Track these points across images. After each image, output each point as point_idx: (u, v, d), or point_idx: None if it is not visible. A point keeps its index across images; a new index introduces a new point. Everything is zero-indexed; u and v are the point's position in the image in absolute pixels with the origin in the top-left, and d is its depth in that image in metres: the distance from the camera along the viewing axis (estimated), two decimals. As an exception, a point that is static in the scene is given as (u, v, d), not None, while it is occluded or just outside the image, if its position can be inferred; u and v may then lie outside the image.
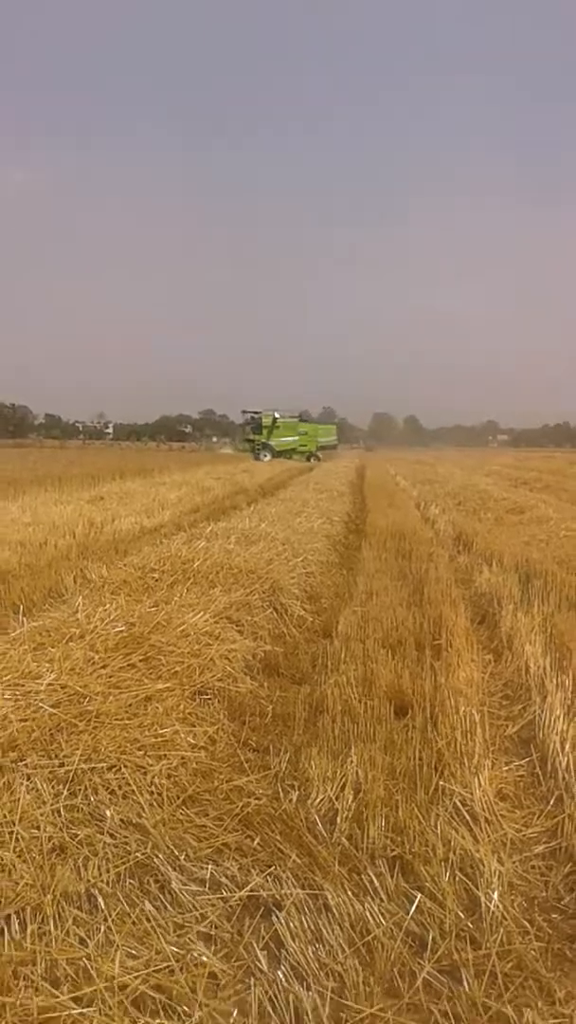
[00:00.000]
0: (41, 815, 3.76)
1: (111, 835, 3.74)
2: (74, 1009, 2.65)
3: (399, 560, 11.41)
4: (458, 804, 4.10)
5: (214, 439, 66.98)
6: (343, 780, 4.30)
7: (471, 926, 3.23)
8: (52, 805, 3.86)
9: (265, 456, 55.05)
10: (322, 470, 39.40)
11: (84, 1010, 2.66)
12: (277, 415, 60.29)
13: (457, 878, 3.52)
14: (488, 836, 3.85)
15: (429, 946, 3.10)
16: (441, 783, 4.32)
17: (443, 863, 3.61)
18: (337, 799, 4.16)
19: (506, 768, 4.64)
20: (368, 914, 3.25)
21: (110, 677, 5.30)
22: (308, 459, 56.80)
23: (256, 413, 61.74)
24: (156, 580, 8.11)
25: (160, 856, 3.60)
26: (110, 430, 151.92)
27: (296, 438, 59.90)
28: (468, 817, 3.99)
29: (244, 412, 66.08)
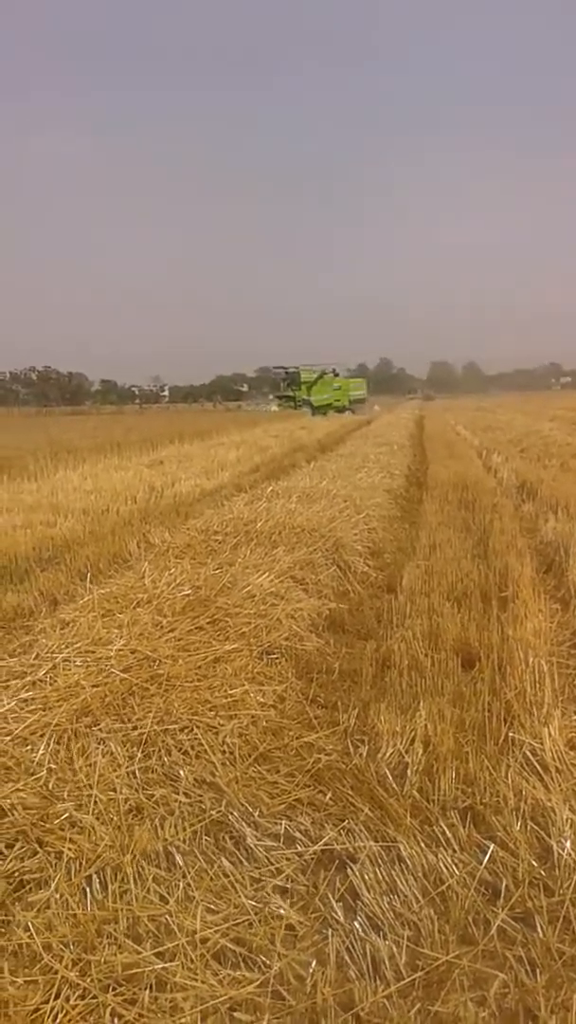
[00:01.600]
0: (117, 777, 3.87)
1: (186, 794, 3.83)
2: (157, 964, 2.74)
3: (462, 512, 11.33)
4: (528, 754, 4.09)
5: (270, 397, 66.99)
6: (412, 734, 4.33)
7: (544, 874, 3.25)
8: (127, 768, 3.96)
9: (306, 412, 55.36)
10: (381, 423, 39.14)
11: (167, 964, 2.75)
12: (332, 370, 60.82)
13: (529, 827, 3.53)
14: (559, 785, 3.85)
15: (503, 894, 3.14)
16: (511, 734, 4.32)
17: (514, 813, 3.63)
18: (407, 753, 4.19)
19: (576, 716, 4.63)
20: (441, 864, 3.29)
21: (179, 640, 5.39)
22: (341, 412, 57.45)
23: (288, 369, 62.27)
24: (219, 542, 8.19)
25: (235, 813, 3.68)
26: (166, 393, 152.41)
27: (331, 393, 60.73)
28: (539, 767, 3.99)
29: (275, 369, 66.95)
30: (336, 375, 63.93)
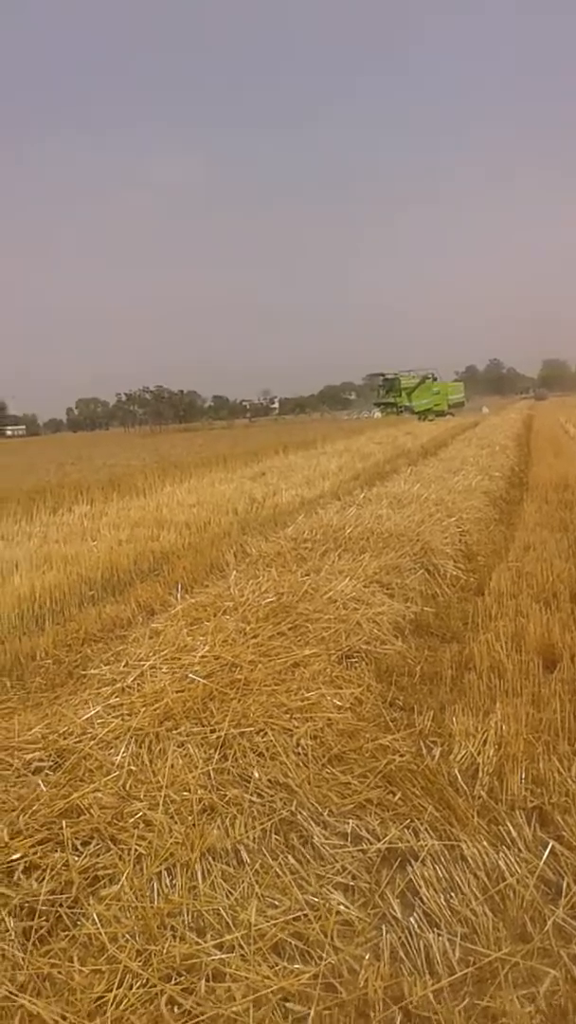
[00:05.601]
0: (192, 778, 4.00)
1: (258, 794, 3.94)
2: (216, 955, 2.85)
3: (561, 511, 11.13)
4: (603, 755, 4.05)
5: (373, 404, 67.74)
6: (485, 735, 4.34)
7: (608, 874, 3.22)
8: (203, 769, 4.09)
9: (412, 418, 55.62)
10: (487, 424, 38.62)
11: (225, 956, 2.86)
12: (431, 375, 61.39)
13: (597, 827, 3.50)
14: (631, 784, 3.80)
15: (564, 892, 3.13)
16: (586, 734, 4.28)
17: (583, 813, 3.60)
18: (479, 754, 4.20)
19: None
20: (503, 863, 3.30)
21: (260, 646, 5.51)
22: (441, 415, 57.91)
23: (388, 376, 63.05)
24: (308, 550, 8.29)
25: (304, 813, 3.77)
26: (276, 405, 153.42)
27: (431, 398, 61.26)
28: (613, 767, 3.95)
29: (372, 376, 68.22)
30: (435, 379, 64.04)
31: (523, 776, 3.95)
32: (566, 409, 52.70)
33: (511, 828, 3.53)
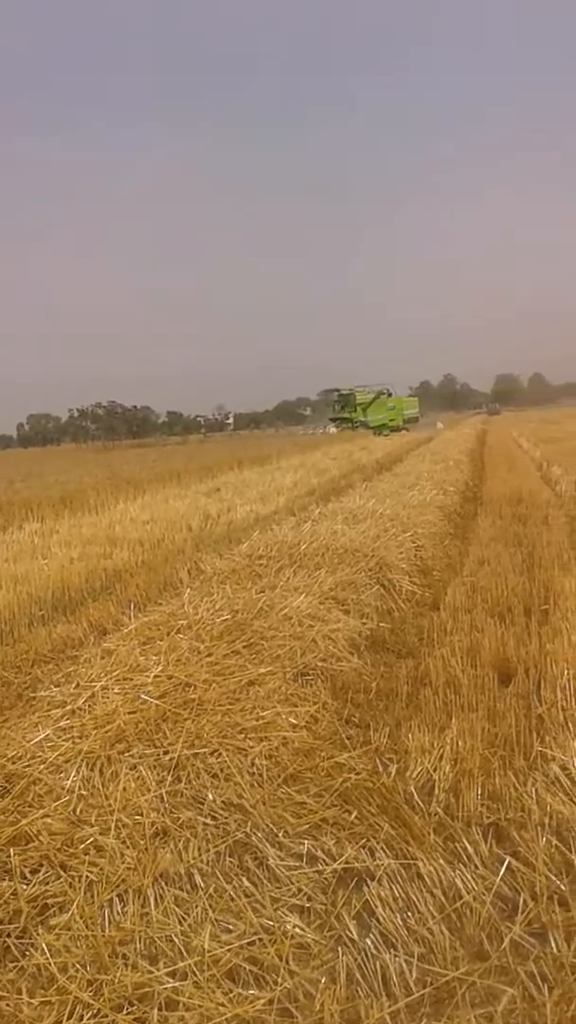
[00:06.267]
0: (145, 801, 3.93)
1: (212, 817, 3.88)
2: (168, 983, 2.79)
3: (515, 525, 11.23)
4: (557, 769, 4.05)
5: (328, 419, 68.29)
6: (441, 751, 4.32)
7: (563, 888, 3.21)
8: (156, 792, 4.02)
9: (368, 433, 56.24)
10: (442, 439, 38.95)
11: (178, 984, 2.79)
12: (387, 390, 62.13)
13: (552, 843, 3.49)
14: (586, 798, 3.80)
15: (520, 909, 3.11)
16: (541, 749, 4.28)
17: (538, 828, 3.59)
18: (435, 770, 4.18)
19: (609, 730, 4.55)
20: (459, 881, 3.27)
21: (214, 665, 5.46)
22: (396, 431, 58.68)
23: (343, 391, 63.93)
24: (263, 566, 8.26)
25: (258, 834, 3.71)
26: (231, 420, 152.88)
27: (386, 413, 62.06)
28: (567, 782, 3.95)
29: (327, 391, 69.29)
30: (390, 395, 64.72)
31: (479, 792, 3.94)
32: (519, 424, 53.40)
33: (467, 845, 3.51)
